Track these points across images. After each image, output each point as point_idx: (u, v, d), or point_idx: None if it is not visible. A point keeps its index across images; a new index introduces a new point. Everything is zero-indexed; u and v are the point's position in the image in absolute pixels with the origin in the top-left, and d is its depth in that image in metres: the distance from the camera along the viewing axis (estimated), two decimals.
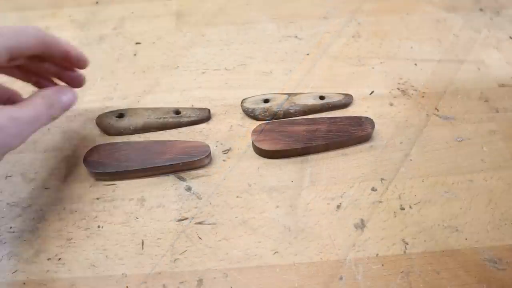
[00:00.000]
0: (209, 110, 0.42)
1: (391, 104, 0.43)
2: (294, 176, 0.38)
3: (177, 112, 0.42)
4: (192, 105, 0.43)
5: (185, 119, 0.42)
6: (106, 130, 0.41)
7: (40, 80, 0.37)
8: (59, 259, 0.34)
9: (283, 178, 0.38)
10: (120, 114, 0.41)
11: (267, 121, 0.41)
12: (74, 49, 0.35)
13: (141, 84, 0.46)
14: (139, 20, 0.53)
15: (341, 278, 0.33)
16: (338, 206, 0.36)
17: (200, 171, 0.39)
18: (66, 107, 0.34)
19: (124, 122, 0.41)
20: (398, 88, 0.45)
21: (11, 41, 0.30)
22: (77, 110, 0.43)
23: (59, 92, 0.33)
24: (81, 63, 0.36)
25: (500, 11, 0.52)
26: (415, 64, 0.47)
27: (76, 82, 0.38)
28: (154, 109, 0.42)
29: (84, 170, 0.38)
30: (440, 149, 0.40)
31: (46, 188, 0.38)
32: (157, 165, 0.37)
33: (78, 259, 0.34)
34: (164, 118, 0.41)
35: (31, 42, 0.31)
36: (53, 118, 0.33)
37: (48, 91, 0.33)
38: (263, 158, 0.40)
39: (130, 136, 0.41)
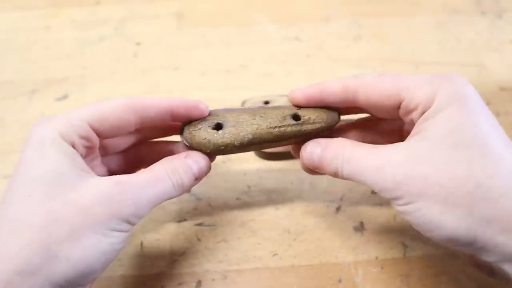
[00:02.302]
0: (338, 114, 0.30)
1: None
2: (294, 178, 0.38)
3: (296, 116, 0.30)
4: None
5: (309, 127, 0.29)
6: (201, 147, 0.29)
7: None
8: None
9: (283, 180, 0.38)
10: (218, 125, 0.29)
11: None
12: (178, 102, 0.28)
13: (141, 85, 0.46)
14: (140, 21, 0.53)
15: (340, 281, 0.33)
16: (338, 209, 0.36)
17: None
18: (196, 175, 0.28)
19: (226, 136, 0.29)
20: None
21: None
22: None
23: (187, 157, 0.28)
24: (197, 112, 0.29)
25: (501, 14, 0.52)
26: (416, 67, 0.47)
27: None
28: (263, 113, 0.30)
29: None
30: None
31: None
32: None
33: None
34: (280, 127, 0.29)
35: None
36: (181, 187, 0.27)
37: (171, 157, 0.28)
38: (263, 160, 0.40)
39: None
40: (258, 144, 0.29)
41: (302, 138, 0.29)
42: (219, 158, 0.40)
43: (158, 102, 0.28)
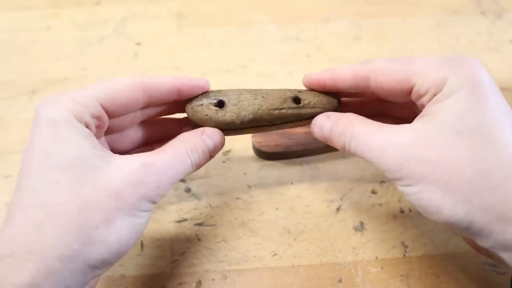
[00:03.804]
0: (338, 100, 0.31)
1: None
2: (294, 178, 0.38)
3: (297, 99, 0.31)
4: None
5: (308, 110, 0.30)
6: (202, 124, 0.30)
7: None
8: None
9: (283, 180, 0.38)
10: (220, 102, 0.30)
11: None
12: (183, 81, 0.29)
13: None
14: (140, 21, 0.53)
15: (340, 281, 0.33)
16: (338, 209, 0.36)
17: (200, 172, 0.39)
18: (212, 152, 0.29)
19: (227, 114, 0.29)
20: None
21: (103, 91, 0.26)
22: None
23: (203, 134, 0.28)
24: (200, 89, 0.30)
25: (501, 14, 0.52)
26: None
27: None
28: (265, 93, 0.30)
29: None
30: None
31: None
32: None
33: None
34: (281, 109, 0.30)
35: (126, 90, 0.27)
36: (197, 166, 0.28)
37: (189, 134, 0.28)
38: (263, 159, 0.40)
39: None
40: (258, 124, 0.30)
41: (301, 120, 0.31)
42: (219, 158, 0.40)
43: (166, 81, 0.28)
